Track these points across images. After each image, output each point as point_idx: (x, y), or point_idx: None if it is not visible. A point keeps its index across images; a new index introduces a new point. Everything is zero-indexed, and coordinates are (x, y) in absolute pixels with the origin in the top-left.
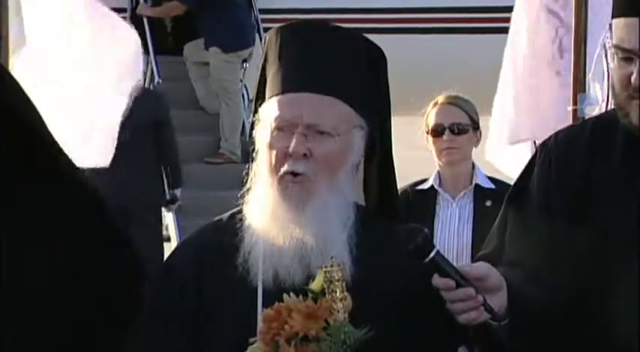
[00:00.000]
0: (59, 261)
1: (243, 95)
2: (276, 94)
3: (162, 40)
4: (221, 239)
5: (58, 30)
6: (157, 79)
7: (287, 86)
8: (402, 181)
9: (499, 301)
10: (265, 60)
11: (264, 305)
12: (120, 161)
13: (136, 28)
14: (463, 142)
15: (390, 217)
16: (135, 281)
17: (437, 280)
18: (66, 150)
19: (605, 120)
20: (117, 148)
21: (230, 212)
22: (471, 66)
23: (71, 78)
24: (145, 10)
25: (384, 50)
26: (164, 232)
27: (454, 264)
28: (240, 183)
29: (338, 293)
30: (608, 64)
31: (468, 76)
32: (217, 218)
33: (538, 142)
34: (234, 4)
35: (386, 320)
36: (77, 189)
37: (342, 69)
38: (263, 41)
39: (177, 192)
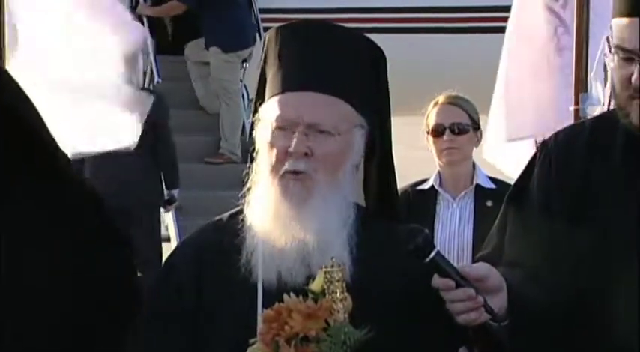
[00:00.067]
0: (59, 261)
1: (243, 95)
2: (277, 94)
3: (162, 39)
4: (221, 239)
5: (58, 30)
6: (156, 78)
7: (287, 85)
8: (402, 181)
9: (499, 302)
10: (265, 60)
11: (264, 306)
12: (120, 161)
13: None
14: (463, 142)
15: (390, 217)
16: (135, 281)
17: (437, 280)
18: (65, 149)
19: (605, 120)
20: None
21: (230, 212)
22: (471, 66)
23: (71, 78)
24: (144, 9)
25: (384, 50)
26: (164, 232)
27: (454, 264)
28: (240, 183)
29: (338, 294)
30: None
31: (468, 76)
32: (217, 218)
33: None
34: (234, 4)
35: (386, 321)
36: (77, 189)
37: (343, 68)
38: (263, 41)
39: (175, 192)
